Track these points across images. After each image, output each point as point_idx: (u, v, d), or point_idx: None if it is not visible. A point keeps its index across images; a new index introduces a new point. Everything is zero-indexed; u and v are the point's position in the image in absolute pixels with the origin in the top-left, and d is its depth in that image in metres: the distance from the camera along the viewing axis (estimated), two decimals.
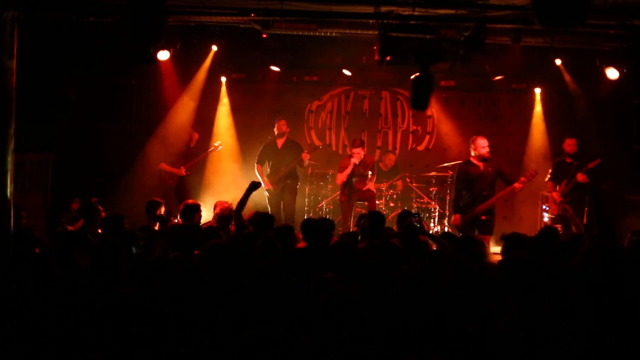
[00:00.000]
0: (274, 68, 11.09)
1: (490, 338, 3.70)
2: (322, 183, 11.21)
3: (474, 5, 7.67)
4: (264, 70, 11.23)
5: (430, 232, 9.95)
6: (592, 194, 9.19)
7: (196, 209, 7.22)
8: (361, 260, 5.01)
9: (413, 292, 3.85)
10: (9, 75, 7.22)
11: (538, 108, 11.30)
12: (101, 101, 10.83)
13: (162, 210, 7.36)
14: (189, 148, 10.65)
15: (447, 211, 10.78)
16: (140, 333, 3.38)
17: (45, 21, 8.60)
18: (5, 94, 7.21)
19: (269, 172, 10.42)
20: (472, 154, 8.62)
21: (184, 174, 10.44)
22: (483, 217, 8.45)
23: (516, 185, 8.40)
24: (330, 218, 9.44)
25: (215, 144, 10.85)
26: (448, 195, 10.75)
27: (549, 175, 9.77)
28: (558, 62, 10.45)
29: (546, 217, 10.09)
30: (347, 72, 11.22)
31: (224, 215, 7.06)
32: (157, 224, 7.18)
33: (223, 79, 11.43)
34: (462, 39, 7.80)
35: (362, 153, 9.60)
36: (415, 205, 10.91)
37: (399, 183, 11.00)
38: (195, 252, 5.34)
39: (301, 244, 5.95)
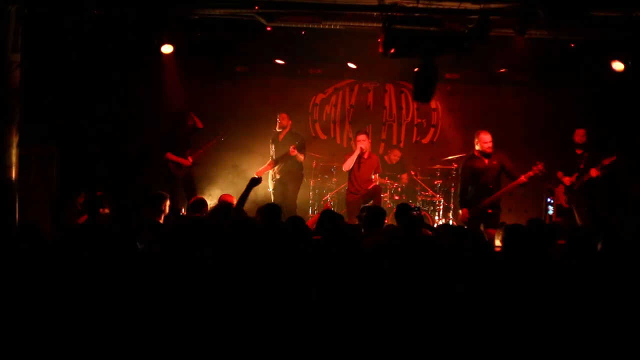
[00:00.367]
0: (279, 61, 11.09)
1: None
2: (326, 176, 11.21)
3: None
4: (268, 64, 11.21)
5: (435, 225, 9.95)
6: (609, 192, 9.13)
7: (204, 204, 7.21)
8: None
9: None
10: (14, 69, 7.25)
11: (542, 100, 11.27)
12: (105, 94, 10.82)
13: (167, 203, 7.28)
14: (193, 130, 10.54)
15: (451, 204, 10.78)
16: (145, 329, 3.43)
17: (49, 15, 8.59)
18: (10, 88, 7.24)
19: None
20: (477, 147, 8.61)
21: (190, 164, 10.36)
22: (489, 211, 8.45)
23: (523, 178, 8.38)
24: (335, 211, 9.45)
25: (222, 132, 10.85)
26: (453, 188, 10.75)
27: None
28: (562, 54, 10.42)
29: (551, 210, 10.07)
30: (352, 66, 11.21)
31: (220, 208, 6.95)
32: (162, 217, 7.16)
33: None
34: (466, 31, 7.79)
35: (368, 141, 9.61)
36: (420, 199, 10.90)
37: (404, 176, 10.99)
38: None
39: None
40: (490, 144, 8.50)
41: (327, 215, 6.16)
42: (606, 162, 9.19)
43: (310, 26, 9.46)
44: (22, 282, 4.12)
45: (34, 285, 4.07)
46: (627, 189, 9.87)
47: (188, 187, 10.26)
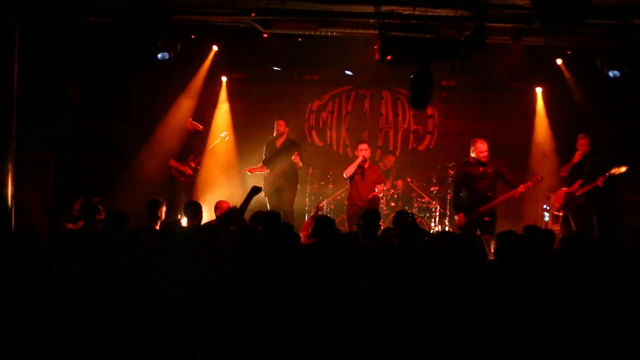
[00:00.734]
0: (275, 68, 11.11)
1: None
2: (322, 183, 11.21)
3: (474, 4, 7.68)
4: (265, 70, 11.21)
5: (431, 231, 9.95)
6: (612, 200, 9.05)
7: (199, 208, 7.23)
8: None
9: None
10: (11, 74, 7.24)
11: (539, 107, 11.30)
12: (102, 100, 10.82)
13: (163, 210, 7.29)
14: (193, 136, 10.61)
15: (447, 211, 10.78)
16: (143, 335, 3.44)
17: (47, 21, 8.60)
18: (6, 93, 7.23)
19: (268, 171, 10.41)
20: (472, 154, 8.61)
21: (191, 172, 10.43)
22: (486, 219, 8.42)
23: (522, 188, 8.37)
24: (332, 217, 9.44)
25: (222, 135, 10.85)
26: (449, 195, 10.75)
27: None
28: (559, 61, 10.47)
29: (547, 217, 10.08)
30: (349, 73, 11.23)
31: (225, 214, 7.03)
32: (158, 224, 7.16)
33: (224, 79, 11.44)
34: (463, 38, 7.82)
35: (369, 150, 9.61)
36: (416, 205, 10.91)
37: (400, 183, 11.00)
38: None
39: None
40: (485, 153, 8.48)
41: (321, 219, 6.22)
42: (615, 171, 8.81)
43: (307, 33, 9.50)
44: (18, 286, 4.12)
45: (30, 290, 4.07)
46: (628, 197, 9.86)
47: (190, 194, 10.30)
